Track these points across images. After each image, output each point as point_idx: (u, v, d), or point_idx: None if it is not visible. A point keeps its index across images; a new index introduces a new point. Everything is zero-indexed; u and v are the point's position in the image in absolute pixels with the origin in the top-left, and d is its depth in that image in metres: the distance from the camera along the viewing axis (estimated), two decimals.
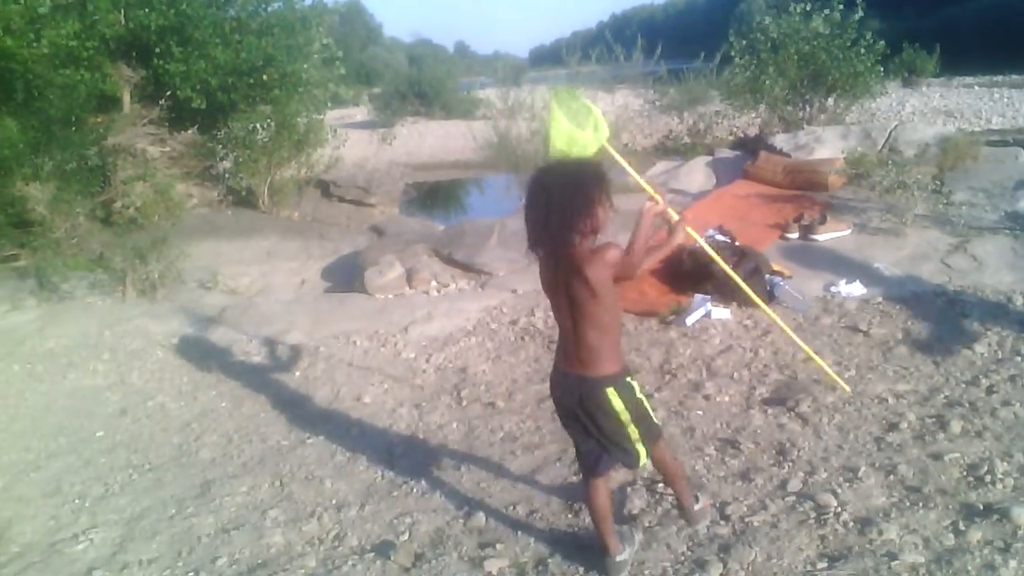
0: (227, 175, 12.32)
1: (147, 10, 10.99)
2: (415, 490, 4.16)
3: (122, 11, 11.10)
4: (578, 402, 3.00)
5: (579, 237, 2.79)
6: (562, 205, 2.74)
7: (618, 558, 3.20)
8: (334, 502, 4.12)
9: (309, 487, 4.32)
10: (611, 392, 2.94)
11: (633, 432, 3.03)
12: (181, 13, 11.11)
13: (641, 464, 3.14)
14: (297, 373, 6.04)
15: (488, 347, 6.20)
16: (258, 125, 11.71)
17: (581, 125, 3.56)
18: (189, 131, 12.08)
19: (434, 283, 7.91)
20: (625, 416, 2.98)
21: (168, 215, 10.01)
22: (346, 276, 8.41)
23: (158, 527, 4.03)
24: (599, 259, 2.79)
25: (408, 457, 4.56)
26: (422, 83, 35.43)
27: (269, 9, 12.24)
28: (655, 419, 3.21)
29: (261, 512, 4.08)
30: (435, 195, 20.07)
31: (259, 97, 11.85)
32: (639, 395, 3.06)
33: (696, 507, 3.51)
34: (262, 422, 5.25)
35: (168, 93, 11.43)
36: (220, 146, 12.08)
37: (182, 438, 5.15)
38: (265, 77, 11.53)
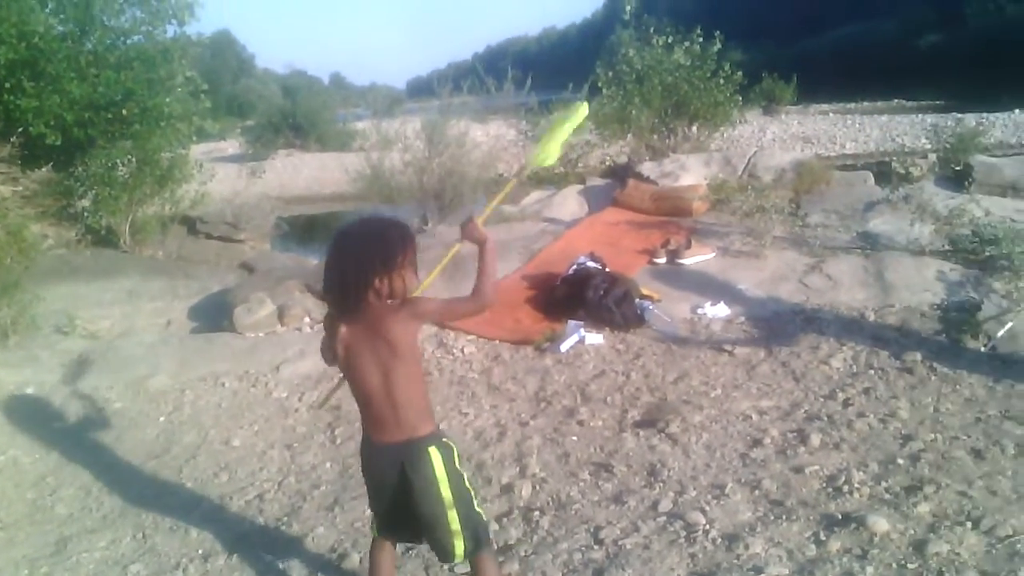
0: (86, 214, 11.77)
1: None
2: (286, 534, 4.03)
3: None
4: (397, 475, 2.73)
5: (372, 296, 2.62)
6: (359, 260, 2.59)
7: None
8: (200, 552, 3.94)
9: (174, 538, 4.12)
10: (433, 452, 2.71)
11: (453, 519, 2.72)
12: (33, 47, 10.59)
13: (455, 559, 2.82)
14: (161, 418, 5.78)
15: None
16: (118, 161, 11.26)
17: (555, 140, 3.62)
18: (44, 168, 11.51)
19: (307, 319, 7.73)
20: (446, 491, 2.71)
21: (21, 257, 9.46)
22: (214, 315, 8.13)
23: None
24: (405, 312, 2.67)
25: (279, 501, 4.42)
26: (296, 115, 34.97)
27: (128, 42, 11.84)
28: (481, 513, 2.85)
29: (122, 567, 3.86)
30: (309, 229, 19.78)
31: (119, 132, 11.40)
32: (458, 466, 2.78)
33: None
34: (123, 472, 4.99)
35: (20, 129, 10.88)
36: (78, 184, 11.54)
37: (36, 493, 4.83)
38: (125, 112, 11.10)
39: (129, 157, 11.38)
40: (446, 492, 2.71)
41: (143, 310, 8.75)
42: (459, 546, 2.75)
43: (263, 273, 9.54)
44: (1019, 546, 3.29)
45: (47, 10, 11.28)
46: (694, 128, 13.38)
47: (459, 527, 2.73)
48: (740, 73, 12.96)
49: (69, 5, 11.37)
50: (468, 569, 3.02)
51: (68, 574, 3.86)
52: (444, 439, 2.80)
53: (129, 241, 11.60)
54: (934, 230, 7.79)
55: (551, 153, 3.62)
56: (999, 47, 54.95)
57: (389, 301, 2.65)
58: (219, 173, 14.48)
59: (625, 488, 4.15)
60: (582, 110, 3.73)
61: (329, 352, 2.81)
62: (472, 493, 2.82)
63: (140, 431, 5.59)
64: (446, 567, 3.48)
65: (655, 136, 13.27)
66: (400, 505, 2.79)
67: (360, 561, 3.67)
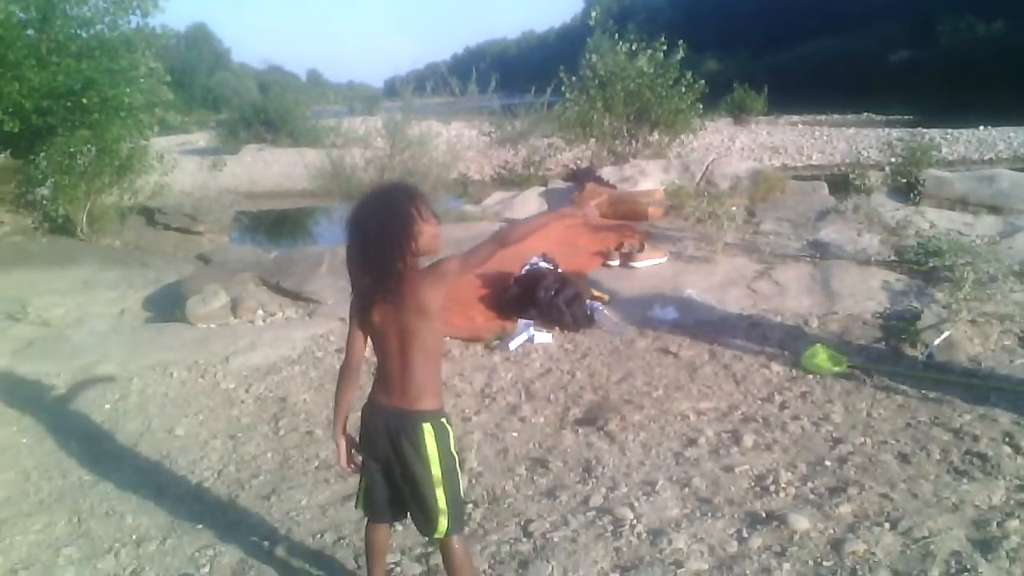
0: (44, 201, 11.66)
1: None
2: (221, 522, 4.05)
3: None
4: (390, 440, 2.77)
5: (403, 262, 2.64)
6: (379, 234, 2.62)
7: None
8: (134, 537, 3.95)
9: (109, 523, 4.12)
10: (427, 428, 2.74)
11: (440, 497, 2.77)
12: None
13: (436, 535, 2.84)
14: (107, 406, 5.76)
15: (312, 376, 6.12)
16: (78, 150, 11.16)
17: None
18: (1, 155, 11.40)
19: (260, 312, 7.75)
20: (436, 469, 2.75)
21: None
22: (168, 306, 8.11)
23: None
24: (432, 276, 2.68)
25: (217, 489, 4.44)
26: (268, 110, 34.69)
27: (91, 31, 11.74)
28: (463, 500, 2.98)
29: (55, 550, 3.86)
30: (272, 223, 19.66)
31: (78, 121, 11.31)
32: (453, 450, 2.82)
33: None
34: (64, 457, 4.97)
35: None
36: (37, 171, 11.44)
37: None
38: (85, 100, 11.02)
39: (88, 146, 11.30)
40: (436, 470, 2.75)
41: (97, 299, 8.71)
42: (443, 523, 2.79)
43: (219, 265, 9.54)
44: (932, 547, 3.38)
45: None
46: (655, 134, 13.52)
47: (445, 506, 2.78)
48: (703, 83, 13.11)
49: None
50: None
51: (0, 556, 3.85)
52: (443, 420, 2.82)
53: (87, 230, 11.52)
54: (881, 241, 7.96)
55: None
56: (969, 65, 55.94)
57: (418, 259, 2.70)
58: (186, 166, 14.41)
59: (559, 483, 4.22)
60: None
61: (357, 332, 2.85)
62: (460, 479, 2.88)
63: (84, 418, 5.58)
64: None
65: (617, 141, 13.39)
66: (389, 473, 2.84)
67: (288, 551, 3.70)
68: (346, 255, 2.75)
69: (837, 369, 5.57)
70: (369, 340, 2.86)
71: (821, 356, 5.71)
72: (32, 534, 4.06)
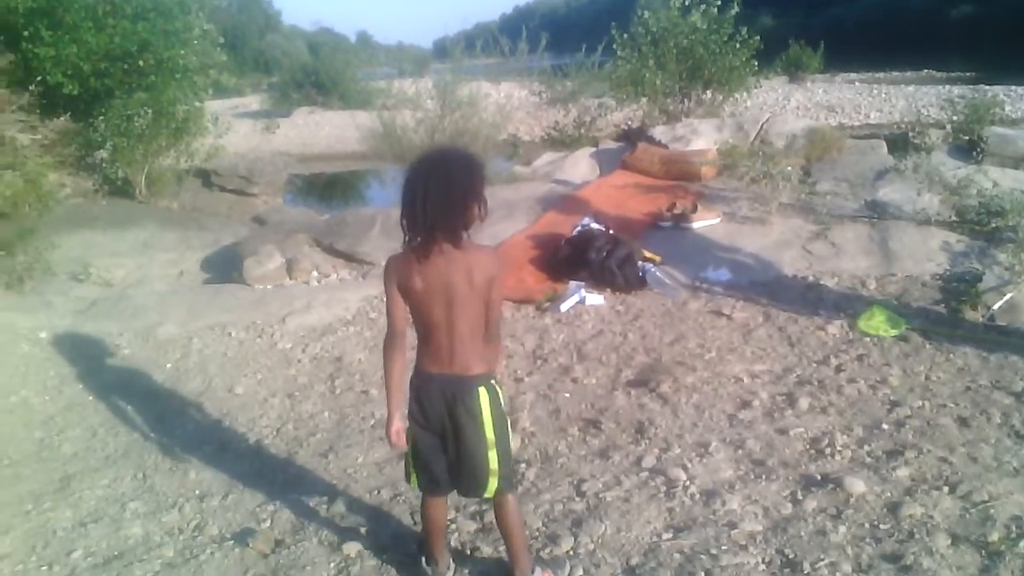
0: (103, 164, 11.88)
1: None
2: (280, 478, 4.16)
3: None
4: (447, 407, 2.78)
5: (466, 226, 2.64)
6: (447, 194, 2.57)
7: (428, 570, 3.18)
8: (197, 492, 4.08)
9: (172, 478, 4.26)
10: (483, 392, 2.78)
11: (493, 459, 2.82)
12: None
13: (486, 495, 2.89)
14: (168, 365, 5.92)
15: (366, 336, 6.22)
16: (135, 112, 11.33)
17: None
18: (62, 118, 11.59)
19: (315, 273, 7.86)
20: (490, 432, 2.79)
21: (38, 205, 9.59)
22: (225, 267, 8.26)
23: (12, 523, 3.90)
24: (490, 254, 2.78)
25: (276, 446, 4.55)
26: (319, 72, 34.83)
27: None
28: (513, 460, 3.06)
29: (121, 504, 4.01)
30: (324, 185, 19.83)
31: (135, 83, 11.45)
32: (504, 409, 2.87)
33: None
34: (129, 415, 5.14)
35: (38, 78, 10.96)
36: (96, 134, 11.64)
37: (44, 432, 4.99)
38: (141, 63, 11.14)
39: (145, 109, 11.44)
40: (490, 432, 2.80)
41: (156, 260, 8.89)
42: (493, 483, 2.85)
43: (274, 227, 9.66)
44: (992, 511, 3.34)
45: None
46: (708, 93, 13.28)
47: (496, 466, 2.83)
48: (757, 38, 12.80)
49: None
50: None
51: (71, 510, 4.00)
52: (493, 381, 2.85)
53: (145, 192, 11.71)
54: (941, 200, 7.76)
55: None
56: None
57: (466, 234, 2.66)
58: (239, 128, 14.54)
59: (611, 444, 4.24)
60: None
61: (398, 297, 2.77)
62: (511, 440, 2.94)
63: (147, 377, 5.74)
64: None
65: (669, 100, 13.18)
66: (442, 439, 2.85)
67: (346, 507, 3.78)
68: (402, 210, 2.63)
69: (895, 332, 5.49)
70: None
71: (879, 318, 5.63)
72: (100, 489, 4.22)
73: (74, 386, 5.68)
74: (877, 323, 5.59)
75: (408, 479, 3.04)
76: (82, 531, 3.79)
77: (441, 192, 2.56)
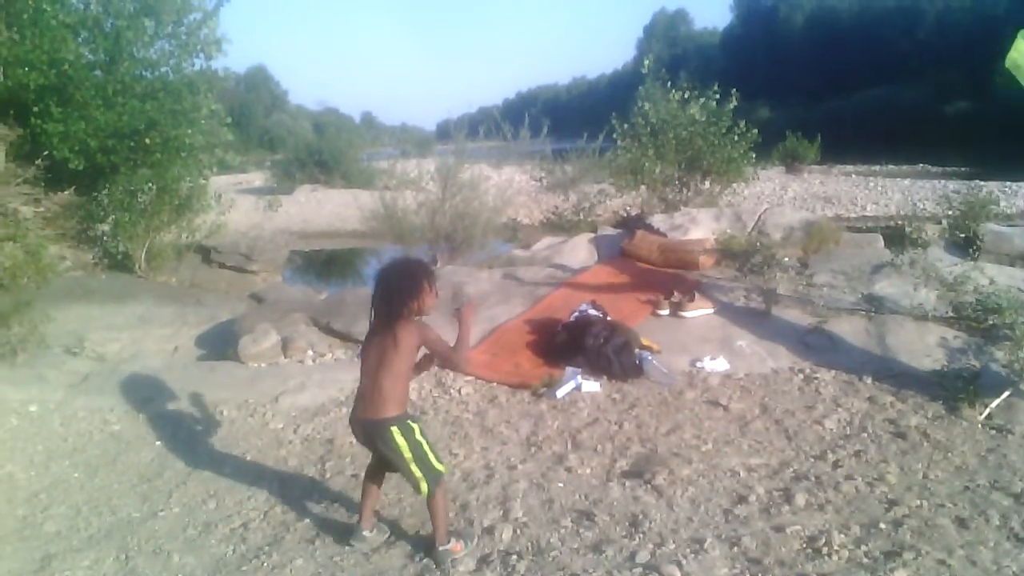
0: (105, 238, 11.96)
1: (27, 69, 10.75)
2: (265, 564, 4.06)
3: (1, 68, 10.82)
4: (371, 442, 3.88)
5: (408, 312, 3.77)
6: (400, 290, 3.76)
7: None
8: None
9: (156, 561, 4.16)
10: (395, 431, 3.73)
11: (415, 470, 3.77)
12: (63, 74, 10.91)
13: (423, 494, 3.85)
14: (158, 443, 5.84)
15: None
16: (138, 188, 11.46)
17: None
18: (66, 192, 11.73)
19: (310, 352, 7.81)
20: (408, 454, 3.75)
21: (37, 277, 9.62)
22: (221, 344, 8.22)
23: None
24: (414, 327, 3.79)
25: (263, 530, 4.46)
26: (323, 151, 35.41)
27: (156, 74, 12.12)
28: (437, 464, 3.87)
29: None
30: (324, 263, 19.93)
31: (141, 160, 11.63)
32: (419, 437, 3.81)
33: (444, 547, 3.92)
34: (115, 494, 5.05)
35: (45, 153, 11.13)
36: (99, 208, 11.75)
37: (28, 509, 4.89)
38: (147, 140, 11.34)
39: (149, 185, 11.58)
40: (407, 453, 3.77)
41: (152, 335, 8.85)
42: (423, 486, 3.81)
43: (271, 304, 9.65)
44: None
45: (79, 39, 11.61)
46: (707, 183, 13.47)
47: (421, 475, 3.79)
48: (756, 131, 13.05)
49: (100, 36, 11.70)
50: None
51: None
52: (408, 420, 3.82)
53: (144, 267, 11.76)
54: (938, 296, 7.79)
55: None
56: None
57: (417, 318, 3.82)
58: (241, 205, 14.68)
59: (605, 537, 4.16)
60: None
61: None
62: (431, 454, 3.85)
63: (135, 454, 5.66)
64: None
65: (668, 189, 13.36)
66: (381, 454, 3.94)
67: None
68: (371, 298, 3.86)
69: None
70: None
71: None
72: (80, 570, 4.11)
73: (61, 462, 5.60)
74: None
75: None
76: None
77: (396, 288, 3.78)
